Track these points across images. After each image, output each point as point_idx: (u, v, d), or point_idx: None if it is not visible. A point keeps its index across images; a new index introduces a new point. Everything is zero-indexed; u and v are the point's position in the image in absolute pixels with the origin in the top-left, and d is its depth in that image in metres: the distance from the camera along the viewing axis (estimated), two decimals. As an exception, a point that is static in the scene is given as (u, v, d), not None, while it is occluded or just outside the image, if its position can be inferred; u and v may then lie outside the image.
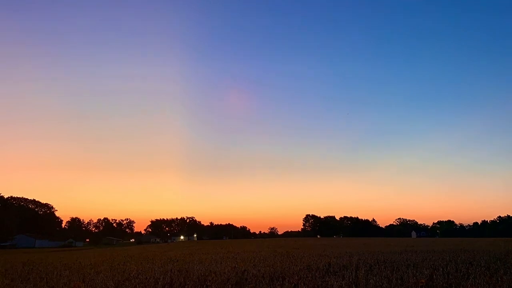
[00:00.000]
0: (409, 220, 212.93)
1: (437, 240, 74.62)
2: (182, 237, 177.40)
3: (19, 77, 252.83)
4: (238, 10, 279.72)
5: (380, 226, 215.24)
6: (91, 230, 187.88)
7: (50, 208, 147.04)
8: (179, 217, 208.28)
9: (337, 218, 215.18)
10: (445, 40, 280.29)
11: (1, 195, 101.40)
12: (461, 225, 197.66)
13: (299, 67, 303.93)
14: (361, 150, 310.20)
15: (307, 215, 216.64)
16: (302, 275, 9.25)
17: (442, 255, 16.31)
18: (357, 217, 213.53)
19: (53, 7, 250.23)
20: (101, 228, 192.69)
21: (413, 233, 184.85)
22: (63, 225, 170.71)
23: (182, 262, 15.65)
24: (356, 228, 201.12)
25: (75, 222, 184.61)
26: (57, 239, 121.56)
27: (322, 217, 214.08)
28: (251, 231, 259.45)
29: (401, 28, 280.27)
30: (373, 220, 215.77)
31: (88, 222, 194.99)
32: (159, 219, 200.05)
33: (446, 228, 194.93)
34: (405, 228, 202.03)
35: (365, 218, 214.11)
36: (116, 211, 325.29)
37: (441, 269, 10.02)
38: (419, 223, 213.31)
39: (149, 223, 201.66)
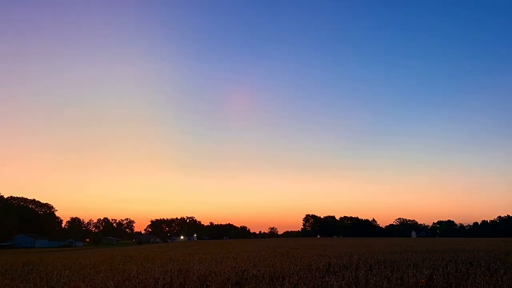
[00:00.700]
0: (409, 220, 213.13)
1: (437, 240, 74.64)
2: (182, 237, 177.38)
3: (18, 76, 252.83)
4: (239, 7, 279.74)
5: (380, 226, 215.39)
6: (91, 230, 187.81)
7: (50, 208, 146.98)
8: (179, 217, 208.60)
9: (337, 218, 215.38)
10: (446, 39, 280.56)
11: (1, 195, 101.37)
12: (461, 225, 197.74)
13: (299, 67, 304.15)
14: (361, 150, 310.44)
15: (307, 215, 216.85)
16: (302, 275, 9.25)
17: (442, 255, 16.31)
18: (357, 217, 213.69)
19: (51, 7, 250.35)
20: (101, 228, 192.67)
21: (413, 233, 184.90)
22: (63, 225, 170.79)
23: (182, 262, 15.65)
24: (356, 228, 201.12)
25: (75, 222, 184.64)
26: (57, 239, 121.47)
27: (322, 217, 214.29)
28: (251, 231, 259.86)
29: (401, 28, 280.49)
30: (373, 220, 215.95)
31: (88, 222, 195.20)
32: (159, 219, 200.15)
33: (446, 228, 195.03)
34: (405, 228, 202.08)
35: (365, 218, 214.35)
36: (116, 211, 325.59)
37: (441, 269, 10.02)
38: (419, 223, 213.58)
39: (149, 223, 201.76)
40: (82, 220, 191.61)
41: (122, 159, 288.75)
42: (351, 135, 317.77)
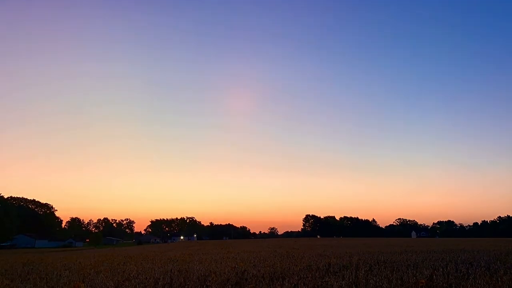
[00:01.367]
0: (409, 220, 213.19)
1: (437, 240, 74.66)
2: (182, 237, 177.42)
3: (18, 78, 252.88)
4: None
5: (380, 226, 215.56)
6: (91, 230, 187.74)
7: (50, 208, 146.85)
8: (179, 217, 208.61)
9: (337, 218, 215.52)
10: (448, 39, 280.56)
11: (1, 195, 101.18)
12: (461, 225, 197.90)
13: (300, 66, 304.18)
14: (362, 150, 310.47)
15: (307, 215, 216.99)
16: (302, 275, 9.25)
17: (442, 255, 16.30)
18: (357, 217, 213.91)
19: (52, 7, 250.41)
20: (101, 228, 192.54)
21: (413, 233, 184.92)
22: (63, 225, 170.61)
23: (182, 262, 15.65)
24: (356, 228, 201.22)
25: (75, 222, 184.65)
26: (57, 239, 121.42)
27: (322, 217, 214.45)
28: (251, 231, 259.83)
29: (401, 27, 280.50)
30: (373, 220, 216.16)
31: (88, 222, 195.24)
32: (159, 219, 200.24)
33: (446, 228, 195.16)
34: (405, 228, 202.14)
35: (365, 218, 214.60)
36: (116, 211, 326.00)
37: (441, 269, 10.02)
38: (419, 223, 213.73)
39: (149, 223, 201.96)
40: (82, 220, 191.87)
41: (122, 159, 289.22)
42: (351, 135, 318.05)
